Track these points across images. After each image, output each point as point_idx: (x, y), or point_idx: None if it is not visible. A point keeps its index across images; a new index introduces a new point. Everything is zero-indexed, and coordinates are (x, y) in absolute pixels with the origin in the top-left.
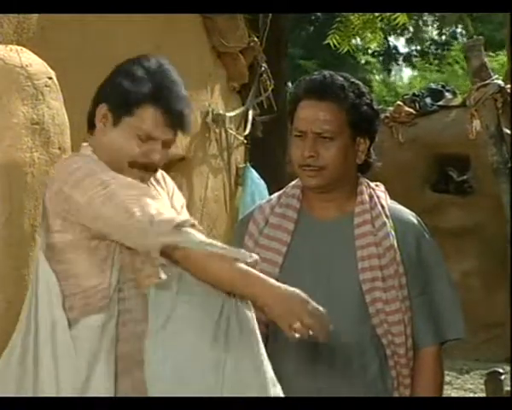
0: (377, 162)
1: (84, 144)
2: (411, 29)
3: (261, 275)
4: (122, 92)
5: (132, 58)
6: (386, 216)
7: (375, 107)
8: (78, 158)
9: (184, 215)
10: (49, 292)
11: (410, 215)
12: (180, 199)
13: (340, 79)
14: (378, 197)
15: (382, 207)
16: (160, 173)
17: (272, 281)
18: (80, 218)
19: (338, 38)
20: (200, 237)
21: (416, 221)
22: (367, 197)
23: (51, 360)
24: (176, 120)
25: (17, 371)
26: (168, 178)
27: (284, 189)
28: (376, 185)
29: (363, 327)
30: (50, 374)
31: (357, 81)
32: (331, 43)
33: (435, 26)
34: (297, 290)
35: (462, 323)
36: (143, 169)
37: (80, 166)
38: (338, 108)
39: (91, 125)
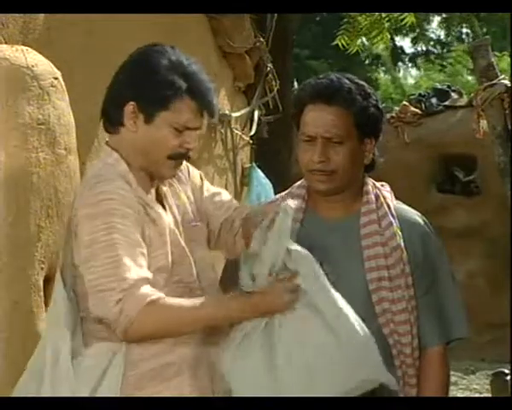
0: (380, 159)
1: (107, 148)
2: (417, 29)
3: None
4: (153, 87)
5: (143, 49)
6: (393, 216)
7: (381, 107)
8: (102, 177)
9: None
10: (57, 313)
11: (415, 215)
12: (211, 188)
13: (347, 81)
14: (384, 197)
15: (388, 206)
16: (185, 165)
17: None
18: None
19: (346, 38)
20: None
21: (421, 221)
22: (373, 197)
23: (49, 384)
24: (208, 108)
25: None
26: (192, 169)
27: (289, 189)
28: (382, 185)
29: (369, 326)
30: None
31: (362, 82)
32: (339, 44)
33: (441, 26)
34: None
35: (467, 322)
36: (180, 159)
37: (102, 191)
38: (346, 111)
39: (113, 125)
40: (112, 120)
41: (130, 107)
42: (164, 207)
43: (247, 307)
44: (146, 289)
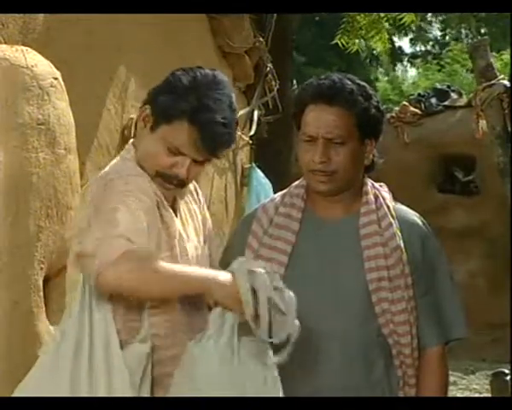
0: (379, 160)
1: (130, 143)
2: (414, 29)
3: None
4: (165, 100)
5: (189, 67)
6: (392, 216)
7: (382, 108)
8: (121, 173)
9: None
10: (102, 309)
11: (414, 216)
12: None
13: (349, 82)
14: (383, 198)
15: (388, 207)
16: (193, 185)
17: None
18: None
19: (346, 38)
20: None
21: (420, 222)
22: (372, 198)
23: (105, 376)
24: (209, 142)
25: (71, 362)
26: (200, 191)
27: (288, 188)
28: (380, 186)
29: (368, 327)
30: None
31: (363, 83)
32: (339, 44)
33: (438, 26)
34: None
35: (466, 323)
36: (168, 181)
37: (128, 190)
38: (347, 112)
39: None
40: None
41: (145, 109)
42: (175, 214)
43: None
44: (124, 242)
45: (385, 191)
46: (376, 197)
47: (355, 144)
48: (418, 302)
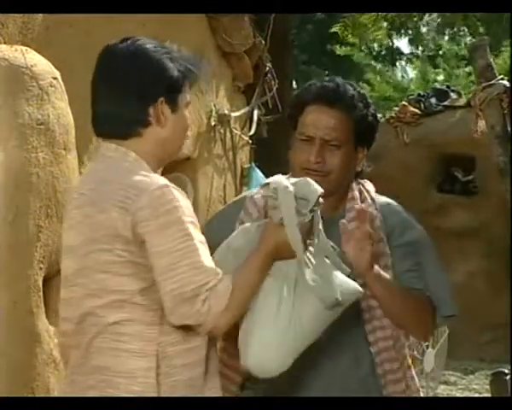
0: (367, 168)
1: (124, 149)
2: (410, 31)
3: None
4: (171, 76)
5: (134, 44)
6: (376, 209)
7: (378, 117)
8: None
9: None
10: None
11: (394, 204)
12: None
13: (351, 88)
14: (367, 191)
15: (372, 199)
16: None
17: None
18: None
19: (344, 30)
20: None
21: (400, 209)
22: (357, 193)
23: None
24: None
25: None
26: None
27: None
28: (364, 181)
29: (356, 321)
30: None
31: (363, 91)
32: (339, 34)
33: (438, 28)
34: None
35: (453, 302)
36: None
37: (168, 200)
38: (346, 116)
39: (130, 129)
40: (131, 124)
41: (160, 102)
42: None
43: (262, 248)
44: (225, 283)
45: (368, 185)
46: (360, 192)
47: (350, 149)
48: (400, 278)
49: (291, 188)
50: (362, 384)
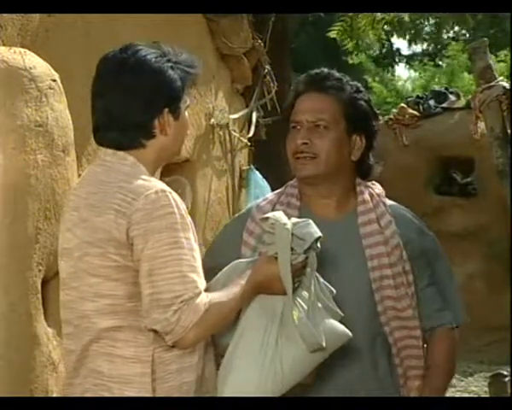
0: (378, 167)
1: (123, 154)
2: (413, 30)
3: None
4: (175, 86)
5: (135, 55)
6: (390, 214)
7: (373, 107)
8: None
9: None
10: None
11: (407, 211)
12: None
13: (338, 74)
14: (378, 195)
15: (384, 205)
16: None
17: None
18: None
19: (341, 32)
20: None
21: (413, 217)
22: (368, 197)
23: None
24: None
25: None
26: None
27: (283, 187)
28: (373, 184)
29: (372, 325)
30: None
31: (355, 82)
32: (336, 37)
33: (436, 28)
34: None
35: (464, 310)
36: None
37: (163, 205)
38: (334, 98)
39: (134, 141)
40: (135, 137)
41: (165, 113)
42: None
43: (251, 277)
44: (202, 299)
45: (378, 189)
46: (371, 196)
47: (341, 134)
48: (421, 294)
49: (289, 225)
50: (381, 384)
